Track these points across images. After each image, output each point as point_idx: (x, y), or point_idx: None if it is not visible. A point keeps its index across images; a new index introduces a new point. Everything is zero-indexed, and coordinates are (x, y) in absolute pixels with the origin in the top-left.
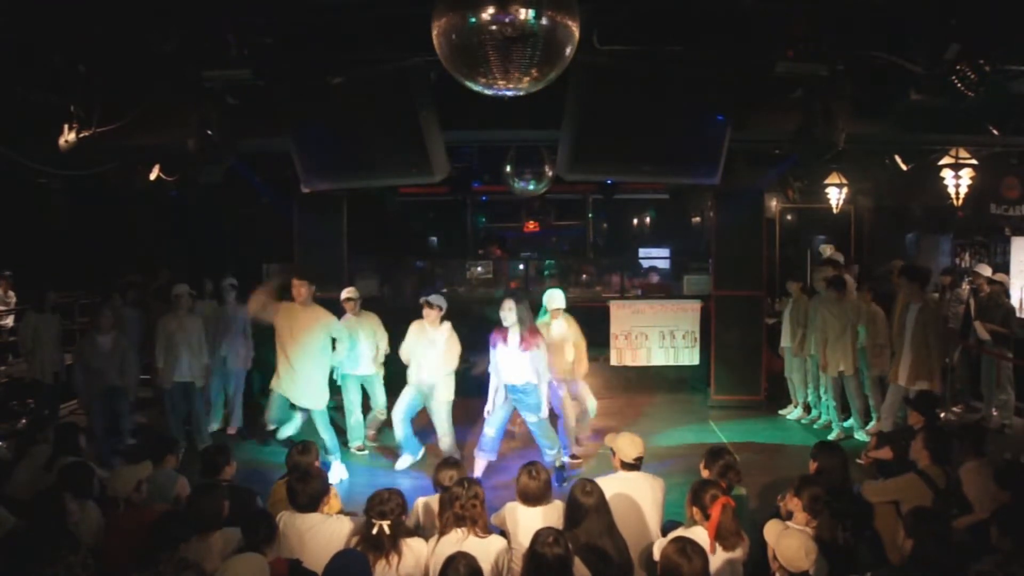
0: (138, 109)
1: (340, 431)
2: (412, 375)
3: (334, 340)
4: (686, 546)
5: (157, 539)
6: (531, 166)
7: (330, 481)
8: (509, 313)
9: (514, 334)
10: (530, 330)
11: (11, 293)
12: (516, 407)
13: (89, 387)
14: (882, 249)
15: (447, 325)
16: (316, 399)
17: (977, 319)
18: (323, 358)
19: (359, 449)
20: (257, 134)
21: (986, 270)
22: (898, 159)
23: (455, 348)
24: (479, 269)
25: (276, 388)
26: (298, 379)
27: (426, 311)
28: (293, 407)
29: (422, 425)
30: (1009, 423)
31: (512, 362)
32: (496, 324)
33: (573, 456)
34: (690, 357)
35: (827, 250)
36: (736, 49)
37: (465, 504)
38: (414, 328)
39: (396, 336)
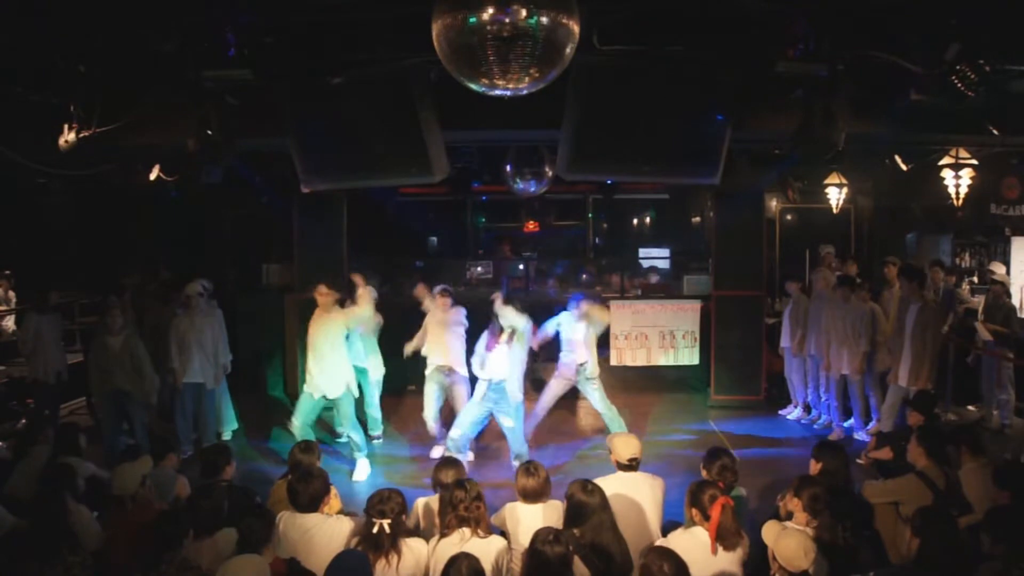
0: (138, 109)
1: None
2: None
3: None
4: (664, 564)
5: (159, 540)
6: (531, 166)
7: (355, 478)
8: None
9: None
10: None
11: (11, 293)
12: (494, 409)
13: (100, 387)
14: (882, 249)
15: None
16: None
17: (983, 318)
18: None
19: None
20: (257, 134)
21: (999, 268)
22: (898, 159)
23: None
24: (479, 269)
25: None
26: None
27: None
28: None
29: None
30: (1009, 423)
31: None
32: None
33: None
34: (690, 357)
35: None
36: (736, 49)
37: (469, 506)
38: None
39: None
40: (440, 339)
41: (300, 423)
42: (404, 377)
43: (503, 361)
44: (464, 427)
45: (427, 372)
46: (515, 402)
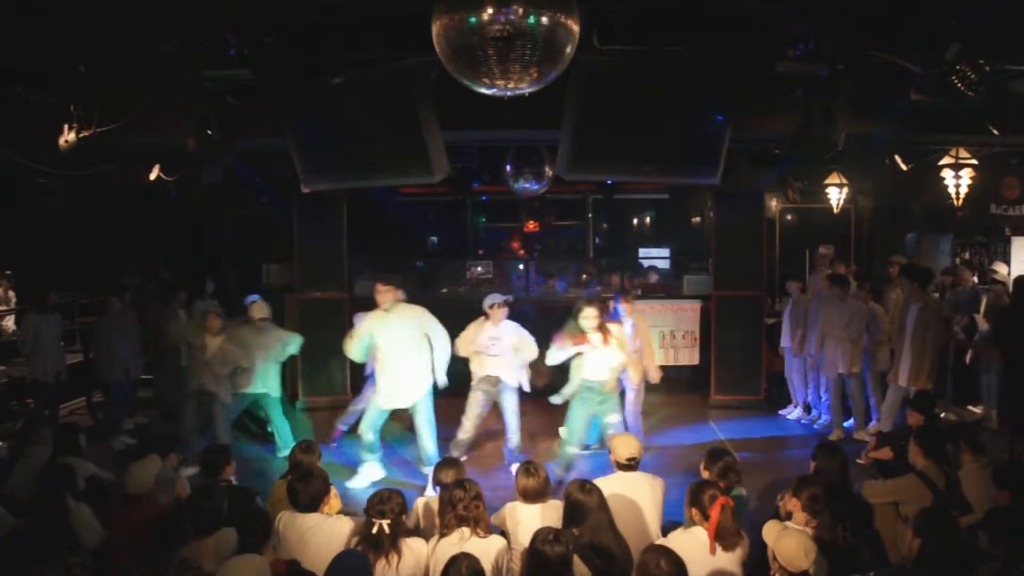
0: (138, 109)
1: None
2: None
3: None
4: (661, 561)
5: (161, 540)
6: (531, 166)
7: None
8: (591, 320)
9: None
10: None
11: (11, 293)
12: (598, 409)
13: (186, 386)
14: (882, 249)
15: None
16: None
17: (985, 318)
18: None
19: None
20: (257, 134)
21: (1002, 268)
22: (898, 159)
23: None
24: (479, 269)
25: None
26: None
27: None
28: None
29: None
30: None
31: (598, 360)
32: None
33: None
34: (690, 357)
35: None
36: (736, 49)
37: (468, 506)
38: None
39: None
40: (496, 353)
41: (372, 433)
42: None
43: (601, 361)
44: (576, 438)
45: (474, 381)
46: (614, 396)
